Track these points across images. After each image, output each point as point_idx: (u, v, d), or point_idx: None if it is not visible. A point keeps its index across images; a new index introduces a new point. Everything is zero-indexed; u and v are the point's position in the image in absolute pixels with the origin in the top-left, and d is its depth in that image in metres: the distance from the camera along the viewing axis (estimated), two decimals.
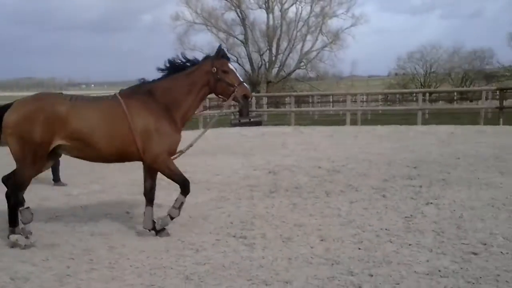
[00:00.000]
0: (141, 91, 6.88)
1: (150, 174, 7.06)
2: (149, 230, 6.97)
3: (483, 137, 17.68)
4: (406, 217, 7.53)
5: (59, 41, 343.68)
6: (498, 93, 27.00)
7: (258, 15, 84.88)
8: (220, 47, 7.07)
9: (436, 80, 62.93)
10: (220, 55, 6.97)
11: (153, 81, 7.01)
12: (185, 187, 6.83)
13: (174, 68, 7.02)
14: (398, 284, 5.10)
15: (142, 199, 7.20)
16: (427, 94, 37.51)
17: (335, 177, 10.91)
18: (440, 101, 47.76)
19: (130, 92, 6.93)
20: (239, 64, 63.28)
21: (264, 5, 62.42)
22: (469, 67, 62.10)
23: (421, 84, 61.25)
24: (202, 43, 69.54)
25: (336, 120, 31.14)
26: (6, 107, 6.64)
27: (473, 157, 13.06)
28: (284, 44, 63.38)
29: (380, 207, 8.14)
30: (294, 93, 38.89)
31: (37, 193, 9.67)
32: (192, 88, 6.93)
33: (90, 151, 6.66)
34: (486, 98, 30.04)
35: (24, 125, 6.39)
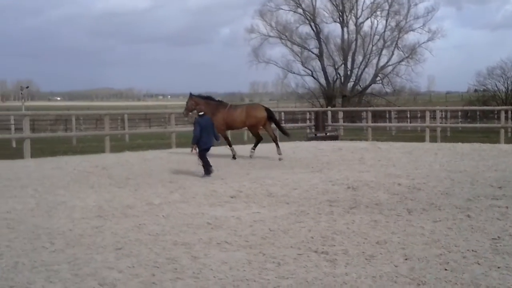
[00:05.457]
0: None
1: None
2: None
3: None
4: (493, 238, 7.27)
5: (139, 54, 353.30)
6: None
7: (333, 29, 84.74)
8: None
9: None
10: None
11: None
12: None
13: None
14: None
15: (222, 210, 7.23)
16: (510, 112, 36.29)
17: (416, 194, 10.68)
18: None
19: None
20: (314, 78, 63.41)
21: (338, 19, 62.30)
22: None
23: (503, 101, 59.03)
24: (277, 56, 69.58)
25: (414, 136, 30.58)
26: None
27: None
28: (359, 58, 63.07)
29: (465, 228, 7.90)
30: (371, 108, 38.38)
31: (121, 201, 10.00)
32: None
33: None
34: None
35: None
